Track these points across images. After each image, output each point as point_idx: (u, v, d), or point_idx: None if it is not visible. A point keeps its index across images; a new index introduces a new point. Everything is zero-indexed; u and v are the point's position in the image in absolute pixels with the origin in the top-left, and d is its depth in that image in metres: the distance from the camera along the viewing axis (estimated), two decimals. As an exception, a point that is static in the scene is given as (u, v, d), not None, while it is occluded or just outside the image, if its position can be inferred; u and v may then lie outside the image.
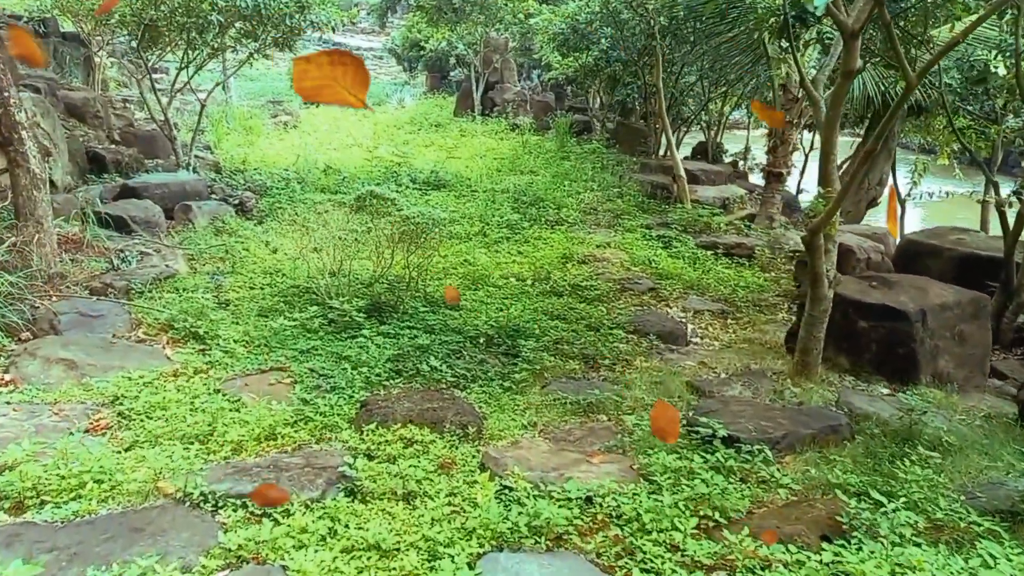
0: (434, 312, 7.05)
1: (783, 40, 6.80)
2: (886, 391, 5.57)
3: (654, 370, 6.05)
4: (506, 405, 5.01)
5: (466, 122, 21.99)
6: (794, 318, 6.98)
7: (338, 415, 4.53)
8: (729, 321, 7.89)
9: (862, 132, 16.45)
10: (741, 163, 18.49)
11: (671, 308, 8.08)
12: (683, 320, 7.76)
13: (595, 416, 4.92)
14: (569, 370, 5.92)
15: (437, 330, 6.46)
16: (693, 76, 16.58)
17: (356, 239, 6.66)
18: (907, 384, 5.63)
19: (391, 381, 5.20)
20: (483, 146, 18.06)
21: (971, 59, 8.75)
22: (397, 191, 12.16)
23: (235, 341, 5.81)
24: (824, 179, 5.39)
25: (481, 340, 6.16)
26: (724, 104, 17.87)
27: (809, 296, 5.44)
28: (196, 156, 13.11)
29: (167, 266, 7.63)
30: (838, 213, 12.02)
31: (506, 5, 22.19)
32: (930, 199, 17.26)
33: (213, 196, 10.87)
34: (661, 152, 17.36)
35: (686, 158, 17.31)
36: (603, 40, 15.37)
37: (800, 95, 11.35)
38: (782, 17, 6.49)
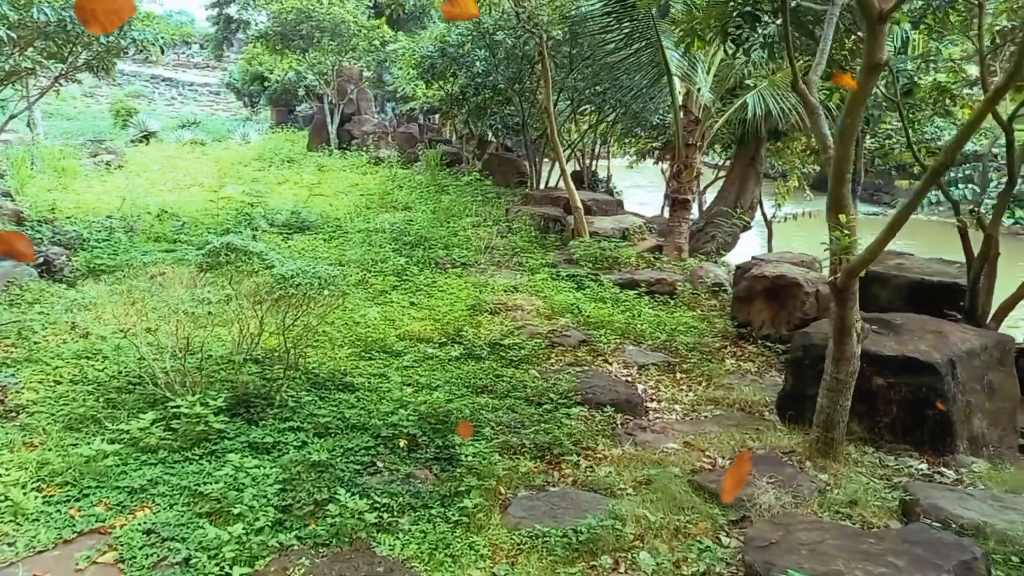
0: (322, 399, 5.26)
1: (731, 40, 5.69)
2: (922, 465, 4.44)
3: (632, 461, 4.60)
4: (463, 556, 3.36)
5: (322, 156, 20.07)
6: (782, 377, 5.84)
7: (199, 629, 2.71)
8: (679, 375, 6.64)
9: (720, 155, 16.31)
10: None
11: (611, 365, 6.72)
12: (629, 379, 6.43)
13: (595, 559, 3.38)
14: (525, 474, 4.35)
15: (334, 430, 4.69)
16: (564, 102, 15.64)
17: (211, 311, 4.78)
18: (942, 454, 4.54)
19: (281, 536, 3.40)
20: (346, 181, 16.25)
21: (895, 71, 8.15)
22: (254, 236, 10.17)
23: (22, 485, 3.77)
24: (837, 204, 4.21)
25: (400, 443, 4.46)
26: (597, 130, 17.12)
27: (833, 355, 4.22)
28: (-13, 204, 10.45)
29: (-76, 361, 5.35)
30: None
31: (360, 32, 20.54)
32: (795, 220, 17.37)
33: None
34: (543, 183, 16.31)
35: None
36: (477, 63, 14.07)
37: (701, 115, 10.56)
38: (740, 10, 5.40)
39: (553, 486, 4.31)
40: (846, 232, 4.06)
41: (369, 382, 5.71)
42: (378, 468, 4.20)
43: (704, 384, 6.42)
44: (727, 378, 6.49)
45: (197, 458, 4.20)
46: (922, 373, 4.55)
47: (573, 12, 10.66)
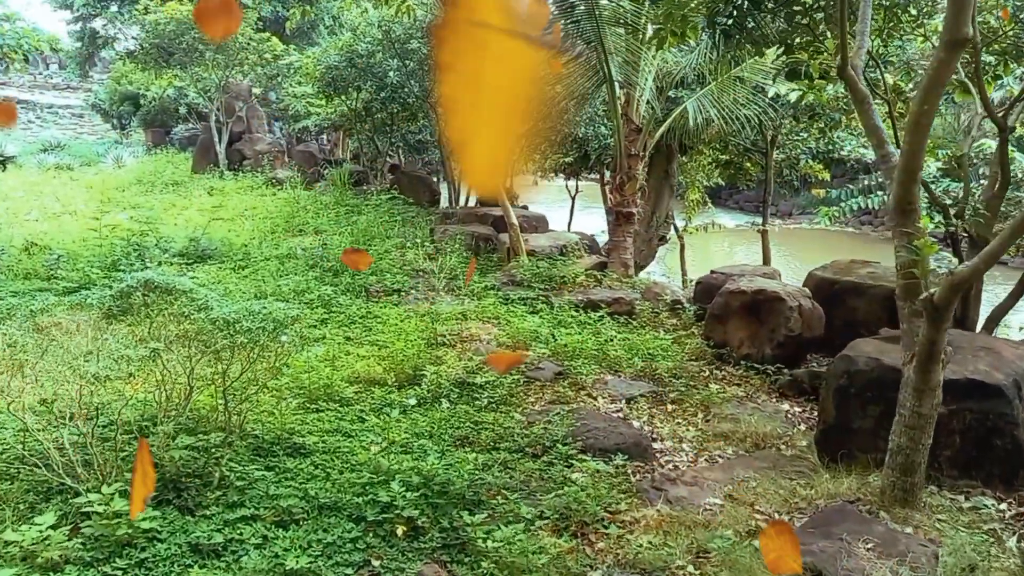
0: (272, 469, 4.18)
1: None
2: (1003, 506, 3.87)
3: (673, 524, 3.80)
4: None
5: (212, 179, 18.36)
6: (780, 403, 5.22)
7: None
8: (670, 407, 5.93)
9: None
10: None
11: (597, 400, 5.92)
12: (621, 415, 5.65)
13: None
14: (557, 556, 3.45)
15: (299, 514, 3.62)
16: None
17: (131, 371, 3.61)
18: (1016, 489, 4.00)
19: None
20: (244, 204, 14.79)
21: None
22: (146, 268, 8.74)
23: None
24: (905, 208, 3.60)
25: (398, 529, 3.46)
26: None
27: (914, 385, 3.57)
28: None
29: None
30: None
31: (249, 45, 19.01)
32: (705, 232, 17.37)
33: None
34: (459, 201, 15.44)
35: (480, 204, 15.68)
36: (391, 74, 13.07)
37: (643, 123, 10.05)
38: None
39: (594, 568, 3.44)
40: (928, 240, 3.44)
41: (324, 442, 4.65)
42: (375, 569, 3.19)
43: (703, 416, 5.73)
44: (726, 408, 5.83)
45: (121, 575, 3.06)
46: (987, 398, 4.01)
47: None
